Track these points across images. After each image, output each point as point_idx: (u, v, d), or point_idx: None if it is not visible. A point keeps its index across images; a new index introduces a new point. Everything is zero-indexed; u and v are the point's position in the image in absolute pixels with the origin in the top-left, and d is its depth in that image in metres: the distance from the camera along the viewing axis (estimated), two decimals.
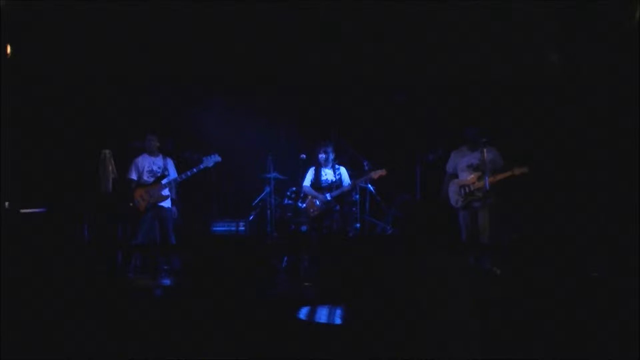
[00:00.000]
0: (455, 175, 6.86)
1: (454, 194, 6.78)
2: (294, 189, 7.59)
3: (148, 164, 7.22)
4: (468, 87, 7.78)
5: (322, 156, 7.31)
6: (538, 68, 7.07)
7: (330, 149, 7.34)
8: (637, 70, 5.93)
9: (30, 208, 6.44)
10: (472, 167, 6.66)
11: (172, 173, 7.30)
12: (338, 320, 4.08)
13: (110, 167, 7.11)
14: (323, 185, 7.33)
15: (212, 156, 7.23)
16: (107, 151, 7.15)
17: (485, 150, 6.60)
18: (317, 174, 7.36)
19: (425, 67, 7.98)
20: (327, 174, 7.37)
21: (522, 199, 7.11)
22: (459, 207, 6.74)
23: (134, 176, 7.17)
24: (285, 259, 7.21)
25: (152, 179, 7.17)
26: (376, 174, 7.06)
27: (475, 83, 7.70)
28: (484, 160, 6.57)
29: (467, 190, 6.67)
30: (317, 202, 7.28)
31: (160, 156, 7.31)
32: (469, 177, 6.67)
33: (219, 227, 8.04)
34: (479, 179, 6.56)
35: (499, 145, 6.71)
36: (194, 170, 7.16)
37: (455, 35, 7.03)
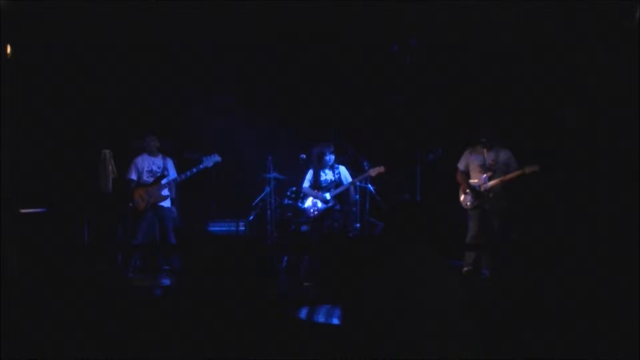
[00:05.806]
0: (467, 173, 6.81)
1: (464, 195, 6.75)
2: (294, 189, 7.58)
3: (148, 164, 7.22)
4: (469, 87, 7.78)
5: (329, 157, 7.24)
6: (536, 67, 7.07)
7: (332, 150, 7.30)
8: (637, 70, 5.92)
9: (30, 208, 6.44)
10: (485, 167, 6.59)
11: (172, 173, 7.30)
12: (337, 320, 4.09)
13: (110, 167, 7.12)
14: (323, 185, 7.33)
15: (212, 156, 7.22)
16: (107, 151, 7.16)
17: (500, 150, 6.58)
18: (316, 175, 7.34)
19: (427, 65, 8.01)
20: (327, 174, 7.36)
21: (522, 199, 7.10)
22: (469, 208, 6.70)
23: (133, 176, 7.17)
24: (285, 259, 7.21)
25: (151, 179, 7.17)
26: (374, 171, 7.03)
27: (476, 83, 7.71)
28: (497, 160, 6.55)
29: (477, 191, 6.65)
30: (317, 202, 7.28)
31: (160, 156, 7.30)
32: (480, 177, 6.63)
33: (219, 227, 8.03)
34: (490, 179, 6.52)
35: (502, 145, 6.69)
36: (194, 170, 7.16)
37: (455, 34, 7.03)
